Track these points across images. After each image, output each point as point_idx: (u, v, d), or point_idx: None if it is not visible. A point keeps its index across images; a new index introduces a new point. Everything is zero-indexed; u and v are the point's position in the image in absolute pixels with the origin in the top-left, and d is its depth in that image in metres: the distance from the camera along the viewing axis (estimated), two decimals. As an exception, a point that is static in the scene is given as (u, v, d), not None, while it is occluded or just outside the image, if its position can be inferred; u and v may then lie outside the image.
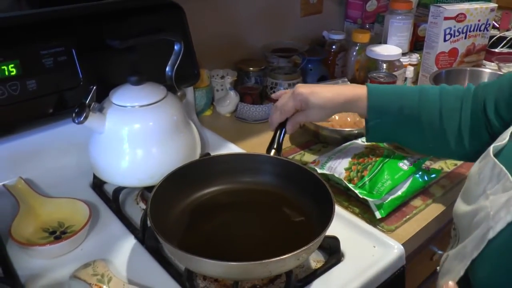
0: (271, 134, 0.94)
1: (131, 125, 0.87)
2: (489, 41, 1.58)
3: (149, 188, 0.90)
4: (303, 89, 0.90)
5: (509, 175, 0.61)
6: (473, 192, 0.67)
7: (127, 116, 0.87)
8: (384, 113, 0.88)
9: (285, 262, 0.65)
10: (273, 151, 0.90)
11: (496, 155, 0.66)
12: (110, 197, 0.93)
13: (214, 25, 1.36)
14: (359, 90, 0.89)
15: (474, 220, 0.64)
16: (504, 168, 0.62)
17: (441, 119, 0.85)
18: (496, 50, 1.62)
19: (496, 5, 1.47)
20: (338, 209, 0.89)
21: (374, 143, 1.03)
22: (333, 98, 0.89)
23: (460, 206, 0.70)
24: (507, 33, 1.67)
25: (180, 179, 0.83)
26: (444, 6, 1.41)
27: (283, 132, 0.93)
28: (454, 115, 0.85)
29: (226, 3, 1.36)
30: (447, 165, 1.08)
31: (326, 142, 1.13)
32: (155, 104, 0.89)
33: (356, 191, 0.91)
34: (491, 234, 0.59)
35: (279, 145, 0.92)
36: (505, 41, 1.64)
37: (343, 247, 0.80)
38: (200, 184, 0.87)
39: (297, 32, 1.60)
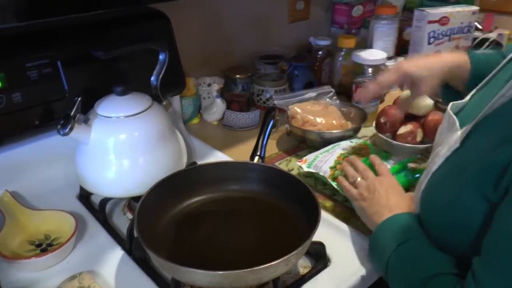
0: (257, 141, 0.95)
1: (116, 135, 0.87)
2: (473, 42, 1.60)
3: (136, 198, 0.90)
4: (406, 64, 0.87)
5: (457, 121, 0.70)
6: (436, 144, 0.76)
7: (112, 126, 0.87)
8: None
9: (275, 268, 0.65)
10: (256, 158, 0.91)
11: (457, 113, 0.74)
12: (97, 208, 0.92)
13: (201, 33, 1.36)
14: (461, 57, 0.86)
15: (431, 163, 0.73)
16: (454, 116, 0.72)
17: None
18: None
19: (478, 7, 1.49)
20: (324, 214, 0.89)
21: (361, 143, 1.04)
22: (437, 66, 0.86)
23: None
24: (489, 35, 1.68)
25: (167, 189, 0.83)
26: (427, 10, 1.42)
27: (265, 139, 0.93)
28: None
29: (213, 10, 1.37)
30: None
31: (314, 146, 1.14)
32: (140, 114, 0.89)
33: (339, 189, 0.92)
34: (434, 168, 0.69)
35: (263, 151, 0.92)
36: (488, 42, 1.65)
37: (330, 252, 0.81)
38: (187, 193, 0.87)
39: (285, 39, 1.60)
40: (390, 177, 0.87)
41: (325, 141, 1.10)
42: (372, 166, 0.92)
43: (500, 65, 0.74)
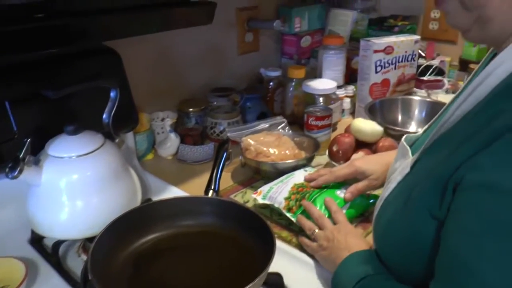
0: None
1: (69, 176, 0.87)
2: (418, 70, 1.68)
3: (91, 239, 0.89)
4: (358, 163, 1.02)
5: (409, 150, 0.75)
6: (390, 172, 0.79)
7: (64, 167, 0.87)
8: None
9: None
10: (211, 192, 0.93)
11: (411, 145, 0.79)
12: (50, 251, 0.91)
13: (153, 67, 1.38)
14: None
15: (384, 190, 0.76)
16: (406, 145, 0.77)
17: None
18: (425, 78, 1.73)
19: (419, 37, 1.58)
20: (281, 244, 0.91)
21: (315, 171, 1.08)
22: (382, 167, 0.99)
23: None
24: (433, 62, 1.78)
25: (121, 228, 0.83)
26: (373, 40, 1.49)
27: (219, 172, 0.95)
28: None
29: (163, 45, 1.39)
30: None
31: (268, 177, 1.16)
32: (93, 153, 0.89)
33: (294, 220, 0.95)
34: (387, 193, 0.73)
35: (217, 185, 0.94)
36: (431, 69, 1.75)
37: (287, 282, 0.82)
38: (142, 231, 0.87)
39: (236, 70, 1.64)
40: (347, 224, 0.89)
41: (279, 172, 1.13)
42: (326, 197, 0.96)
43: (450, 101, 0.78)
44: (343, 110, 1.60)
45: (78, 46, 1.07)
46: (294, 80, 1.52)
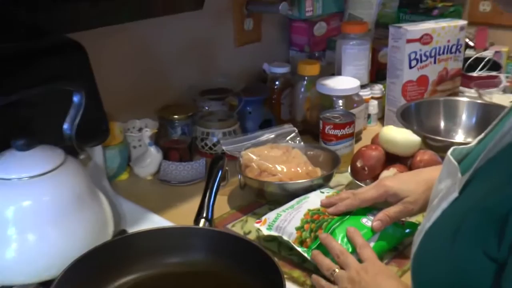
0: (203, 198, 0.96)
1: (18, 202, 0.87)
2: (465, 64, 1.67)
3: (47, 284, 0.88)
4: (389, 182, 1.01)
5: (458, 168, 0.72)
6: (433, 196, 0.78)
7: (12, 191, 0.87)
8: None
9: None
10: (202, 221, 0.92)
11: (461, 159, 0.77)
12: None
13: (128, 65, 1.38)
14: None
15: (425, 219, 0.74)
16: (454, 162, 0.74)
17: None
18: (474, 74, 1.71)
19: (466, 22, 1.57)
20: (292, 286, 0.91)
21: (335, 193, 1.07)
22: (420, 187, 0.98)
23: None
24: (484, 53, 1.76)
25: (88, 269, 0.82)
26: (405, 27, 1.49)
27: (212, 195, 0.95)
28: None
29: (142, 37, 1.40)
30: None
31: (275, 200, 1.16)
32: (50, 174, 0.89)
33: (308, 256, 0.94)
34: (428, 224, 0.70)
35: (210, 212, 0.94)
36: (483, 63, 1.73)
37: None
38: (115, 272, 0.87)
39: (232, 67, 1.65)
40: (377, 261, 0.88)
41: (288, 194, 1.12)
42: (348, 226, 0.95)
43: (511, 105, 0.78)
44: (368, 116, 1.61)
45: (33, 40, 1.07)
46: (306, 78, 1.52)
